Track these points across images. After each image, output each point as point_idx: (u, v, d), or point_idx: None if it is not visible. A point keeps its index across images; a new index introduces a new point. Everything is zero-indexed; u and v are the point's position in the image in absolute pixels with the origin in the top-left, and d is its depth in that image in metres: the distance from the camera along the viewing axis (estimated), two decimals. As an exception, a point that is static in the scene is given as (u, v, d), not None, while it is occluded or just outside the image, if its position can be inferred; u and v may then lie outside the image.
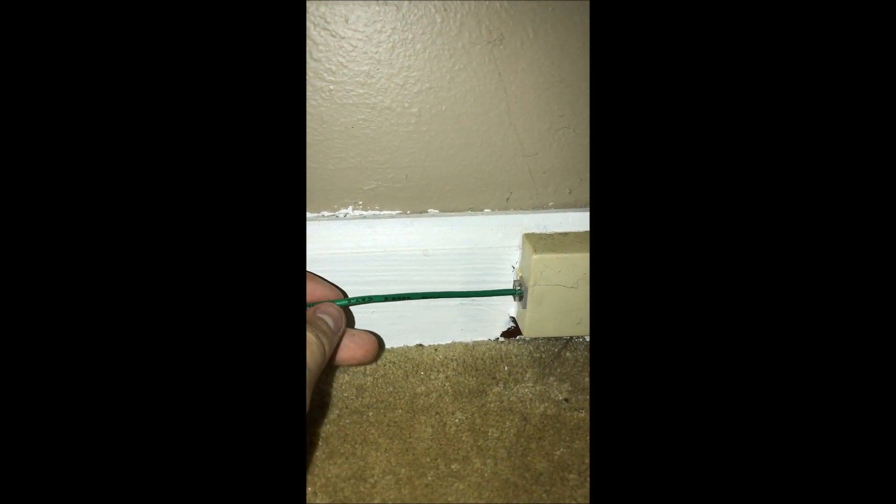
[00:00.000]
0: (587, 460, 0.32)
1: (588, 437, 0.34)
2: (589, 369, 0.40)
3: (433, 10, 0.32)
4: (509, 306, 0.42)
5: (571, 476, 0.31)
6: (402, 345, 0.42)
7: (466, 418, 0.35)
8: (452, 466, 0.32)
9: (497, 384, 0.38)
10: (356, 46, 0.33)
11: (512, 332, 0.43)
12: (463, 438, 0.34)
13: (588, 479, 0.31)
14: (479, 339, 0.43)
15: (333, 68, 0.33)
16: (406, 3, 0.32)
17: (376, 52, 0.33)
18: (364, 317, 0.40)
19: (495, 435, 0.34)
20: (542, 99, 0.35)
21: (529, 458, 0.32)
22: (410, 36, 0.33)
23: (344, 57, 0.33)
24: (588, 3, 0.33)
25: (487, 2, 0.32)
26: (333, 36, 0.32)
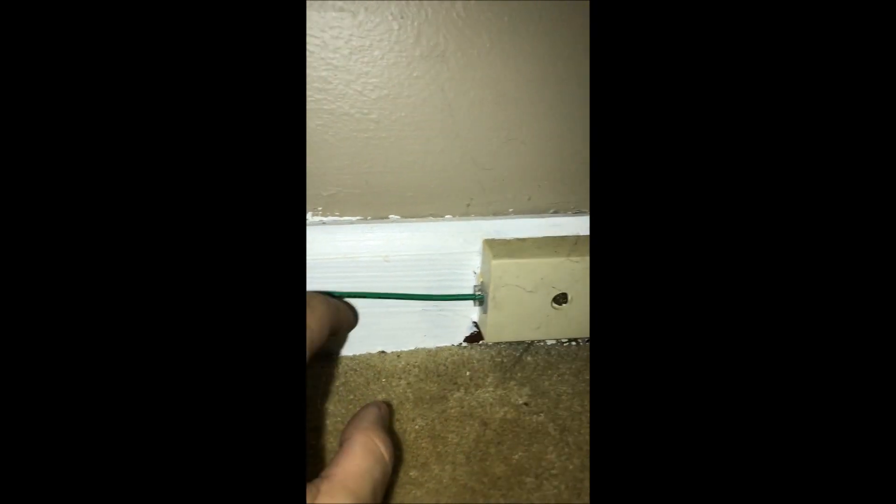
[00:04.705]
0: (543, 463, 0.32)
1: (545, 441, 0.34)
2: (548, 373, 0.40)
3: (390, 18, 0.32)
4: (472, 311, 0.42)
5: (528, 479, 0.31)
6: (364, 352, 0.42)
7: (426, 425, 0.35)
8: (411, 473, 0.32)
9: (458, 390, 0.38)
10: (312, 52, 0.33)
11: (475, 337, 0.43)
12: (422, 445, 0.34)
13: (544, 482, 0.31)
14: (442, 344, 0.43)
15: (290, 74, 0.33)
16: (363, 10, 0.32)
17: (333, 58, 0.33)
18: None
19: (455, 440, 0.34)
20: (500, 110, 0.36)
21: (488, 462, 0.32)
22: (368, 43, 0.33)
23: (301, 63, 0.33)
24: (544, 16, 0.33)
25: (444, 12, 0.32)
26: (290, 42, 0.32)
